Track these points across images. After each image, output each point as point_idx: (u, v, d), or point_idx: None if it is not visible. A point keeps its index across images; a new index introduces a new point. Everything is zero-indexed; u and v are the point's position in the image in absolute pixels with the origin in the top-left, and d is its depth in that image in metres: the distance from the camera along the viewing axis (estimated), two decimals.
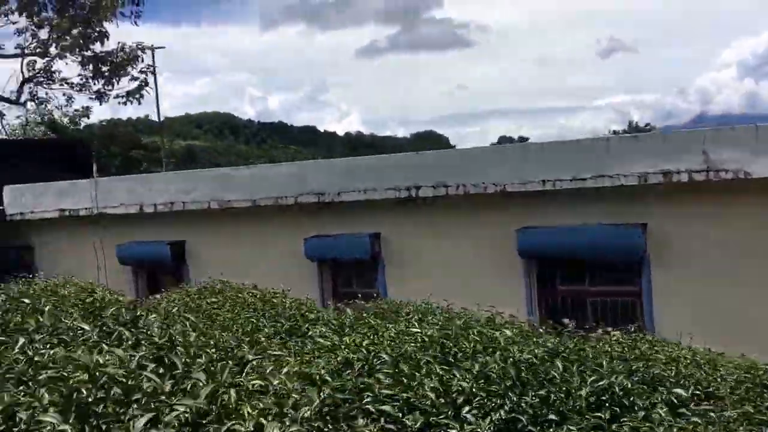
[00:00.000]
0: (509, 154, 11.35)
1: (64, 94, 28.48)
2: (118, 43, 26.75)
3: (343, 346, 4.60)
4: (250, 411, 2.16)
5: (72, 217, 14.08)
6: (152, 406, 2.19)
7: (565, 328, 5.95)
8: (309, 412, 2.25)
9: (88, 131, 32.29)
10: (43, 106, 28.66)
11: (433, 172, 11.61)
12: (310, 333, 5.59)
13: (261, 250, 13.09)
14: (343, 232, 12.54)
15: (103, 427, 2.13)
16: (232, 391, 2.32)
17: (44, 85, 28.22)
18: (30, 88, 27.88)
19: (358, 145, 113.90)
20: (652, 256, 10.17)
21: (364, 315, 6.24)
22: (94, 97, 28.55)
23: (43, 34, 26.94)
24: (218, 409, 2.14)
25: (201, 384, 2.33)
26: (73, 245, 14.25)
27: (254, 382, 2.58)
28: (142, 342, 3.64)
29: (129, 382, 2.30)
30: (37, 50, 27.52)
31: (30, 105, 28.52)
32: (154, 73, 45.21)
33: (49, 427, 2.14)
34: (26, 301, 6.24)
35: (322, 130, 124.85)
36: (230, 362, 3.12)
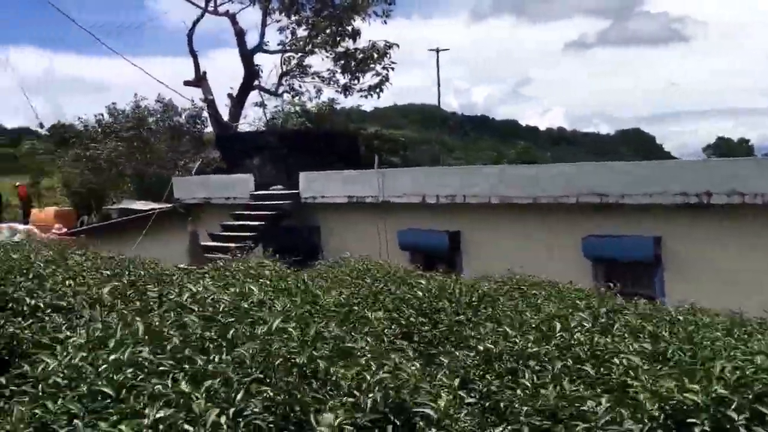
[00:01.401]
0: None
1: (314, 87, 30.89)
2: (369, 41, 28.56)
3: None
4: None
5: (358, 203, 15.45)
6: None
7: None
8: None
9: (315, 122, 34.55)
10: (297, 98, 31.14)
11: (727, 179, 11.51)
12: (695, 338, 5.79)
13: (536, 244, 13.59)
14: (621, 233, 12.74)
15: None
16: None
17: (298, 78, 30.76)
18: (287, 80, 30.53)
19: (559, 140, 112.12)
20: None
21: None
22: (340, 90, 30.73)
23: (301, 32, 29.36)
24: None
25: None
26: (356, 228, 15.59)
27: None
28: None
29: None
30: (293, 46, 30.01)
31: (286, 96, 31.15)
32: (437, 70, 47.56)
33: None
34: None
35: (523, 125, 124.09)
36: None
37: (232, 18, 28.69)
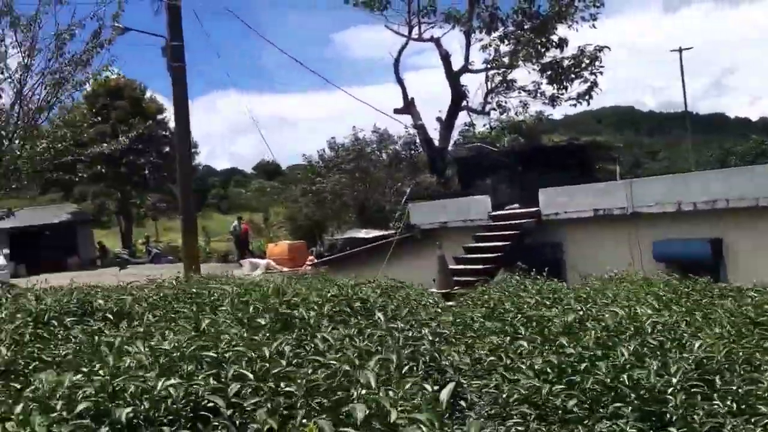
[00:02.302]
0: None
1: (520, 102, 30.58)
2: (578, 47, 27.85)
3: None
4: None
5: (604, 215, 14.96)
6: None
7: None
8: None
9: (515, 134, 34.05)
10: (504, 114, 31.00)
11: None
12: None
13: None
14: None
15: None
16: None
17: (503, 94, 30.61)
18: (492, 98, 30.48)
19: None
20: None
21: None
22: (547, 101, 30.18)
23: (504, 47, 29.25)
24: None
25: None
26: (602, 242, 15.09)
27: None
28: None
29: None
30: (495, 62, 29.94)
31: (493, 114, 31.12)
32: (681, 72, 46.21)
33: None
34: None
35: (732, 117, 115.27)
36: None
37: (437, 42, 29.19)
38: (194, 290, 7.00)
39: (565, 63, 28.33)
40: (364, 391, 2.19)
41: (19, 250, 36.02)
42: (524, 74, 29.93)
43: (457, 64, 29.64)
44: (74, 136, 18.33)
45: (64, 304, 5.15)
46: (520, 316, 4.95)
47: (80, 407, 2.10)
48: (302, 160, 31.55)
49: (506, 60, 29.26)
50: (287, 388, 2.36)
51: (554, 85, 29.01)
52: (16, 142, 15.03)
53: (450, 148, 31.13)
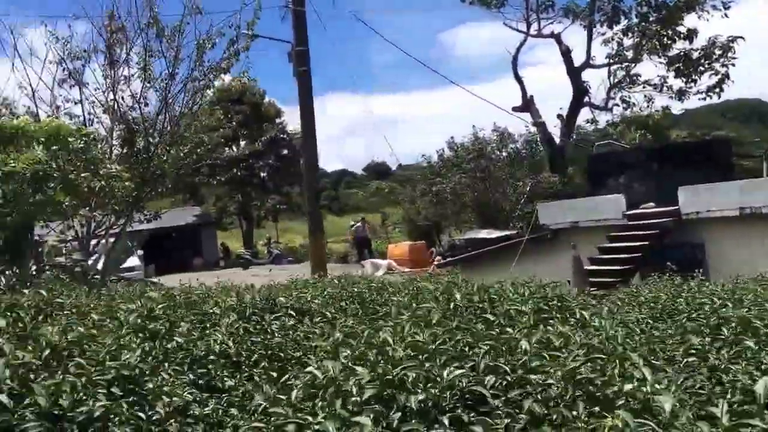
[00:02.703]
0: None
1: (645, 96, 29.58)
2: (708, 38, 26.64)
3: None
4: None
5: (752, 214, 14.24)
6: None
7: None
8: None
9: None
10: (628, 110, 30.09)
11: None
12: None
13: None
14: None
15: None
16: None
17: (627, 89, 29.68)
18: (615, 93, 29.61)
19: None
20: None
21: None
22: (674, 96, 29.02)
23: (627, 41, 28.36)
24: None
25: None
26: (749, 241, 14.37)
27: None
28: None
29: None
30: (619, 57, 29.07)
31: (615, 110, 30.25)
32: None
33: None
34: None
35: None
36: None
37: (557, 38, 28.66)
38: (355, 289, 7.19)
39: (694, 55, 27.17)
40: (630, 386, 2.18)
41: (149, 251, 37.69)
42: (649, 68, 29.03)
43: (578, 59, 29.02)
44: (210, 140, 19.11)
45: (252, 301, 5.39)
46: (715, 317, 4.76)
47: (368, 393, 2.21)
48: (421, 160, 31.66)
49: (630, 54, 28.40)
50: (548, 380, 2.38)
51: (682, 78, 27.86)
52: (160, 147, 15.76)
53: (572, 145, 30.53)
